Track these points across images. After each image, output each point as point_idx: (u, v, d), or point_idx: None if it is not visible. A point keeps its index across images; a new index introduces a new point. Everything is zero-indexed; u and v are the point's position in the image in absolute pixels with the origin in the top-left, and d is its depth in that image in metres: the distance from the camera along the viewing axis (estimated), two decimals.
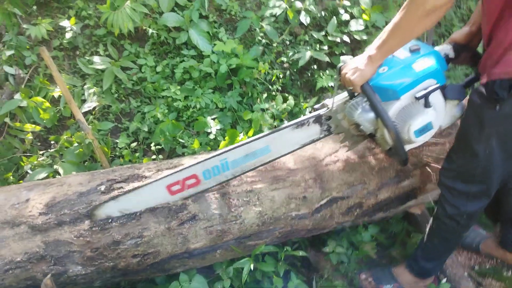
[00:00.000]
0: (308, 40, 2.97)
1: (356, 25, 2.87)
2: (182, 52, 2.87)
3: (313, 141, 1.68)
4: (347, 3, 3.01)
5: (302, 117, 1.65)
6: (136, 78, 2.82)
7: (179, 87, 2.75)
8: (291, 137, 1.63)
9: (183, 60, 2.83)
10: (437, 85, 1.47)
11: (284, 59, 2.92)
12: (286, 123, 1.74)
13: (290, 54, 2.90)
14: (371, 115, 1.49)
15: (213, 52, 2.82)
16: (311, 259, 1.95)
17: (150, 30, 2.81)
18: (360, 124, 1.55)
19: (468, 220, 1.60)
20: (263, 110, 2.73)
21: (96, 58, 2.79)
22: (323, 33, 2.95)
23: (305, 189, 1.73)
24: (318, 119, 1.65)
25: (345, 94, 1.63)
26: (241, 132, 2.54)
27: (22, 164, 2.45)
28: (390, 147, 1.55)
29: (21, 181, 2.41)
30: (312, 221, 1.75)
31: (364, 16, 2.84)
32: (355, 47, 2.98)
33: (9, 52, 2.77)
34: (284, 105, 2.72)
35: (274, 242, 1.77)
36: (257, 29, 2.94)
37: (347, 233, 1.97)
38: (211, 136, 2.56)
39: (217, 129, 2.58)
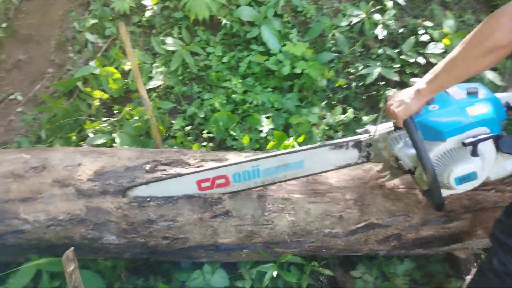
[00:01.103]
0: (380, 55, 2.86)
1: (434, 48, 2.72)
2: (250, 47, 2.89)
3: (349, 165, 1.64)
4: (429, 24, 2.86)
5: (342, 139, 1.60)
6: (203, 65, 2.89)
7: (240, 81, 2.78)
8: (328, 157, 1.60)
9: (250, 55, 2.85)
10: (489, 135, 1.35)
11: (351, 70, 2.84)
12: (325, 142, 1.70)
13: (360, 67, 2.82)
14: (412, 151, 1.41)
15: (280, 52, 2.82)
16: (338, 279, 1.91)
17: (224, 21, 2.86)
18: (400, 158, 1.48)
19: None
20: (319, 117, 2.68)
21: (169, 39, 2.90)
22: (397, 50, 2.83)
23: (344, 208, 1.68)
24: (357, 144, 1.60)
25: (390, 124, 1.55)
26: (291, 137, 2.52)
27: (85, 127, 2.61)
28: (428, 188, 1.46)
29: (81, 142, 2.57)
30: (345, 242, 1.70)
31: (445, 41, 2.68)
32: (428, 71, 2.82)
33: (93, 21, 2.96)
34: (342, 117, 2.65)
35: (302, 253, 1.74)
36: (329, 36, 2.89)
37: (380, 261, 1.89)
38: (262, 134, 2.57)
39: (269, 128, 2.58)
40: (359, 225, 1.69)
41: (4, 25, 3.02)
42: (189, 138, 2.67)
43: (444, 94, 1.41)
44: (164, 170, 1.69)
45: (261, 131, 2.58)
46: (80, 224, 1.59)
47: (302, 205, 1.67)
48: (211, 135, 2.65)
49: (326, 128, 2.58)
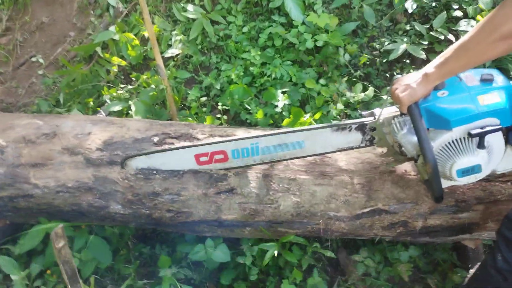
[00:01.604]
0: (408, 30, 2.72)
1: (467, 26, 2.55)
2: (272, 17, 2.80)
3: (351, 148, 1.58)
4: None
5: (346, 121, 1.53)
6: (222, 34, 2.83)
7: (259, 52, 2.71)
8: (329, 138, 1.55)
9: (271, 26, 2.76)
10: (498, 127, 1.27)
11: (377, 45, 2.72)
12: (327, 123, 1.64)
13: (385, 42, 2.68)
14: (415, 139, 1.33)
15: (303, 23, 2.71)
16: (341, 261, 1.90)
17: None
18: (403, 145, 1.42)
19: None
20: (338, 94, 2.60)
21: (190, 7, 2.84)
22: (427, 26, 2.67)
23: (351, 192, 1.65)
24: (361, 127, 1.53)
25: (396, 109, 1.47)
26: (308, 113, 2.47)
27: (103, 93, 2.63)
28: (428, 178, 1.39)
29: (98, 108, 2.60)
30: (349, 226, 1.67)
31: (479, 18, 2.50)
32: None
33: None
34: (362, 95, 2.56)
35: (305, 234, 1.73)
36: (356, 7, 2.75)
37: (384, 247, 1.86)
38: (277, 109, 2.52)
39: (285, 104, 2.52)
40: (365, 210, 1.65)
41: None
42: (204, 109, 2.65)
43: (456, 79, 1.32)
44: (172, 143, 1.69)
45: (276, 106, 2.53)
46: (87, 192, 1.63)
47: (308, 187, 1.65)
48: (226, 107, 2.62)
49: (343, 106, 2.51)
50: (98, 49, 2.75)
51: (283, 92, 2.57)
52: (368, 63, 2.72)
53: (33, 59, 2.91)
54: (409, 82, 1.30)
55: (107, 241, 1.81)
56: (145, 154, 1.61)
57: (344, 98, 2.56)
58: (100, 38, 2.72)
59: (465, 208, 1.64)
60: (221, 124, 2.49)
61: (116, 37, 2.73)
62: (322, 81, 2.59)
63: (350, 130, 1.55)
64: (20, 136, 1.70)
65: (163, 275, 1.71)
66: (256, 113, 2.47)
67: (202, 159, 1.61)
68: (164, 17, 2.95)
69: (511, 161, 1.41)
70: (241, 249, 1.81)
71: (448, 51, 1.20)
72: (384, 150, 1.62)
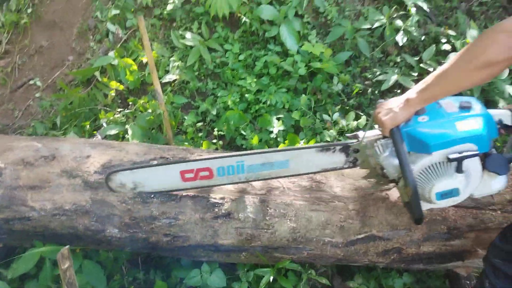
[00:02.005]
0: (399, 62, 2.82)
1: None
2: (268, 46, 2.88)
3: (335, 169, 1.62)
4: (453, 33, 2.80)
5: (330, 143, 1.58)
6: (219, 61, 2.90)
7: (255, 80, 2.78)
8: (313, 159, 1.58)
9: (267, 54, 2.85)
10: (475, 152, 1.32)
11: (369, 75, 2.81)
12: (311, 144, 1.67)
13: (377, 72, 2.78)
14: (397, 161, 1.38)
15: (298, 53, 2.80)
16: (335, 287, 1.91)
17: (244, 18, 2.86)
18: (384, 167, 1.46)
19: None
20: (331, 122, 2.67)
21: (188, 34, 2.92)
22: (417, 58, 2.78)
23: (345, 218, 1.67)
24: (345, 149, 1.58)
25: (379, 132, 1.52)
26: (302, 139, 2.52)
27: (100, 116, 2.66)
28: (408, 200, 1.44)
29: (95, 132, 2.62)
30: (344, 252, 1.69)
31: None
32: None
33: (115, 11, 3.00)
34: (355, 123, 2.63)
35: (300, 260, 1.75)
36: (349, 40, 2.85)
37: (378, 273, 1.88)
38: (272, 135, 2.57)
39: (279, 130, 2.58)
40: (359, 236, 1.68)
41: (29, 10, 3.09)
42: (200, 134, 2.69)
43: (436, 105, 1.38)
44: None
45: (271, 132, 2.59)
46: (84, 215, 1.63)
47: (304, 212, 1.67)
48: (221, 133, 2.66)
49: (336, 133, 2.57)
50: (97, 73, 2.79)
51: (278, 119, 2.62)
52: (360, 92, 2.80)
53: (31, 82, 2.94)
54: (391, 106, 1.35)
55: (101, 266, 1.80)
56: (130, 169, 1.60)
57: (337, 126, 2.62)
58: (99, 63, 2.78)
59: (457, 236, 1.68)
60: (216, 149, 2.53)
61: (115, 62, 2.78)
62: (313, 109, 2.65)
63: (334, 151, 1.59)
64: (19, 158, 1.71)
65: None
66: (252, 138, 2.52)
67: (188, 175, 1.60)
68: (162, 43, 3.02)
69: (487, 186, 1.45)
70: (236, 274, 1.81)
71: (430, 78, 1.25)
72: (367, 172, 1.66)
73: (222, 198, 1.68)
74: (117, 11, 3.04)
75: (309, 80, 2.78)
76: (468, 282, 1.90)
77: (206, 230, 1.65)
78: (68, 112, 2.67)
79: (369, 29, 2.86)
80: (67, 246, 1.38)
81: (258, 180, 1.67)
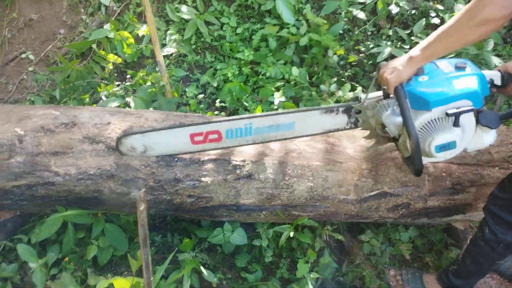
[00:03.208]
0: (391, 35, 2.93)
1: None
2: (264, 19, 2.92)
3: (337, 130, 1.71)
4: (441, 7, 2.93)
5: (333, 104, 1.66)
6: (216, 35, 2.92)
7: (253, 52, 2.83)
8: (318, 120, 1.67)
9: (263, 27, 2.89)
10: (471, 107, 1.45)
11: (362, 48, 2.91)
12: (316, 106, 1.76)
13: (370, 45, 2.88)
14: (399, 119, 1.49)
15: (294, 25, 2.86)
16: (345, 244, 2.03)
17: None
18: (386, 126, 1.56)
19: (505, 249, 1.60)
20: (328, 93, 2.76)
21: (183, 7, 2.91)
22: (408, 31, 2.90)
23: (359, 177, 1.78)
24: (347, 110, 1.67)
25: (380, 93, 1.63)
26: None
27: (99, 90, 2.64)
28: (409, 155, 1.56)
29: (94, 105, 2.60)
30: (358, 208, 1.81)
31: None
32: None
33: None
34: (351, 94, 2.73)
35: (316, 217, 1.85)
36: (343, 13, 2.93)
37: (387, 228, 2.01)
38: (273, 106, 2.64)
39: (280, 101, 2.65)
40: (371, 193, 1.79)
41: None
42: (201, 106, 2.72)
43: (434, 67, 1.49)
44: None
45: (272, 102, 2.65)
46: (109, 179, 1.66)
47: (320, 172, 1.77)
48: (223, 104, 2.71)
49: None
50: (94, 46, 2.75)
51: (278, 89, 2.69)
52: (355, 64, 2.90)
53: (23, 55, 2.86)
54: (395, 65, 1.43)
55: (122, 229, 1.84)
56: (141, 132, 1.63)
57: (334, 97, 2.72)
58: (95, 36, 2.73)
59: (460, 190, 1.82)
60: None
61: (111, 35, 2.75)
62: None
63: (337, 113, 1.68)
64: (38, 126, 1.70)
65: (183, 258, 1.76)
66: (254, 109, 2.58)
67: (197, 138, 1.64)
68: (157, 16, 3.00)
69: (480, 140, 1.59)
70: (256, 233, 1.90)
71: (432, 36, 1.35)
72: (367, 132, 1.77)
73: (243, 161, 1.75)
74: None
75: (305, 53, 2.86)
76: (464, 235, 2.06)
77: (229, 191, 1.72)
78: (66, 86, 2.64)
79: (361, 3, 2.95)
80: (143, 190, 1.43)
81: (265, 142, 1.73)
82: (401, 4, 2.87)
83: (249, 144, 1.71)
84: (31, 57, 2.86)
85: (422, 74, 1.47)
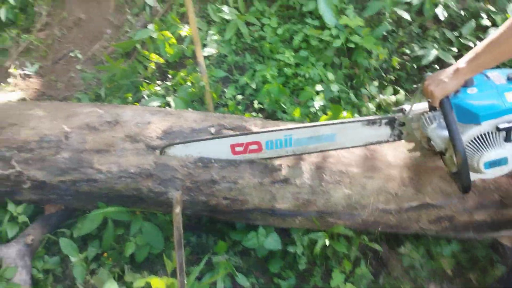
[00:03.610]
0: (438, 37, 2.82)
1: None
2: (305, 20, 2.89)
3: (379, 143, 1.67)
4: (492, 8, 2.78)
5: (375, 116, 1.62)
6: (257, 35, 2.91)
7: (293, 54, 2.80)
8: (359, 132, 1.63)
9: (304, 28, 2.86)
10: None
11: (407, 51, 2.81)
12: (358, 117, 1.72)
13: (415, 48, 2.78)
14: (445, 133, 1.42)
15: (335, 27, 2.81)
16: (383, 255, 1.96)
17: None
18: (432, 139, 1.50)
19: None
20: (368, 97, 2.69)
21: (225, 8, 2.93)
22: (456, 33, 2.77)
23: (400, 186, 1.72)
24: (391, 122, 1.62)
25: (425, 104, 1.56)
26: (343, 111, 2.55)
27: (141, 89, 2.71)
28: (456, 171, 1.47)
29: (136, 103, 2.67)
30: (397, 218, 1.75)
31: None
32: None
33: None
34: (393, 98, 2.65)
35: (353, 226, 1.80)
36: (387, 14, 2.85)
37: (427, 241, 1.93)
38: (312, 109, 2.60)
39: (320, 104, 2.61)
40: (412, 204, 1.73)
41: None
42: (240, 107, 2.73)
43: (484, 78, 1.42)
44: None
45: (311, 105, 2.62)
46: (148, 178, 1.69)
47: (358, 179, 1.72)
48: (261, 106, 2.70)
49: (375, 108, 2.59)
50: (138, 45, 2.83)
51: (318, 92, 2.65)
52: (398, 67, 2.81)
53: (71, 54, 2.98)
54: (441, 77, 1.38)
55: (159, 228, 1.87)
56: (183, 143, 1.67)
57: (375, 101, 2.65)
58: (139, 36, 2.80)
59: (509, 205, 1.72)
60: None
61: (155, 35, 2.81)
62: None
63: (380, 125, 1.63)
64: (84, 123, 1.77)
65: (217, 261, 1.77)
66: (293, 111, 2.55)
67: (238, 149, 1.67)
68: (199, 17, 3.04)
69: None
70: (290, 238, 1.88)
71: (479, 47, 1.28)
72: (412, 145, 1.70)
73: (280, 164, 1.73)
74: None
75: (346, 55, 2.80)
76: None
77: (264, 194, 1.71)
78: (111, 84, 2.72)
79: (407, 3, 2.85)
80: (180, 192, 1.50)
81: (305, 153, 1.72)
82: (450, 5, 2.75)
83: (290, 155, 1.71)
84: (79, 55, 2.97)
85: (472, 85, 1.41)
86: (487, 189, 1.72)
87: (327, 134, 1.64)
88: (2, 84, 2.79)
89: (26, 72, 2.85)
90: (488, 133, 1.42)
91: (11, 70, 2.84)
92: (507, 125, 1.36)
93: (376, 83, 2.75)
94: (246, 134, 1.66)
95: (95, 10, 3.15)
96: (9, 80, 2.81)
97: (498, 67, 1.40)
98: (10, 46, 2.99)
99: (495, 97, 1.38)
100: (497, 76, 1.43)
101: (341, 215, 1.75)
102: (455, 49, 2.74)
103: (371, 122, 1.62)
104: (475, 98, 1.39)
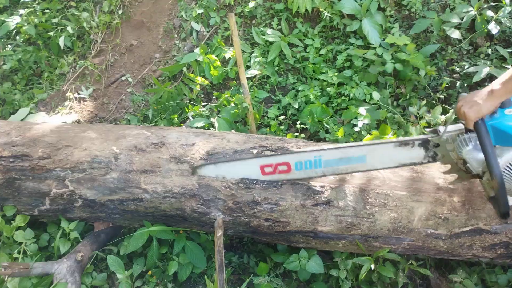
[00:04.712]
0: (490, 54, 2.69)
1: None
2: (349, 40, 2.88)
3: (413, 164, 1.60)
4: None
5: (408, 137, 1.55)
6: (299, 56, 2.93)
7: (336, 73, 2.79)
8: (391, 154, 1.57)
9: (348, 48, 2.84)
10: None
11: (456, 68, 2.71)
12: (390, 139, 1.66)
13: (465, 65, 2.68)
14: (481, 155, 1.34)
15: (380, 46, 2.77)
16: (432, 281, 1.86)
17: (325, 13, 2.87)
18: (468, 162, 1.42)
19: None
20: (416, 117, 2.61)
21: (268, 30, 2.98)
22: (511, 50, 2.64)
23: (450, 210, 1.64)
24: (424, 143, 1.55)
25: (461, 125, 1.48)
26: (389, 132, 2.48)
27: (187, 110, 2.79)
28: (494, 195, 1.37)
29: (182, 124, 2.75)
30: (448, 244, 1.66)
31: None
32: None
33: (199, 11, 3.13)
34: (442, 118, 2.55)
35: (399, 251, 1.73)
36: (435, 32, 2.77)
37: (481, 268, 1.81)
38: (356, 129, 2.56)
39: (364, 123, 2.56)
40: (464, 229, 1.64)
41: (120, 11, 3.31)
42: (282, 127, 2.74)
43: None
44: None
45: (355, 125, 2.57)
46: (192, 198, 1.73)
47: (405, 203, 1.66)
48: (303, 126, 2.69)
49: (423, 128, 2.50)
50: (184, 69, 2.93)
51: (363, 112, 2.60)
52: (447, 85, 2.71)
53: (123, 78, 3.14)
54: (475, 99, 1.32)
55: (201, 248, 1.90)
56: (214, 163, 1.71)
57: (423, 120, 2.56)
58: (186, 60, 2.91)
59: None
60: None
61: (200, 58, 2.91)
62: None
63: (412, 146, 1.57)
64: (132, 145, 1.84)
65: (258, 282, 1.76)
66: (336, 131, 2.52)
67: (267, 169, 1.68)
68: (243, 40, 3.11)
69: None
70: (333, 262, 1.83)
71: None
72: (448, 167, 1.62)
73: (322, 186, 1.71)
74: (201, 10, 3.17)
75: (392, 74, 2.74)
76: None
77: (306, 217, 1.69)
78: (158, 106, 2.83)
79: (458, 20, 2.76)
80: (221, 216, 1.51)
81: (335, 174, 1.69)
82: (502, 21, 2.63)
83: (319, 176, 1.70)
84: (130, 79, 3.12)
85: (510, 106, 1.35)
86: None
87: (358, 155, 1.61)
88: (59, 107, 2.98)
89: (81, 95, 3.03)
90: None
91: (68, 94, 3.03)
92: None
93: (424, 102, 2.66)
94: (275, 155, 1.67)
95: (145, 36, 3.32)
96: (65, 103, 3.00)
97: None
98: (67, 71, 3.20)
99: None
100: None
101: (387, 239, 1.69)
102: (509, 66, 2.60)
103: (404, 144, 1.58)
104: None
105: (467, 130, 1.46)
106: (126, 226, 2.00)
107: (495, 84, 1.30)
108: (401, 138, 1.60)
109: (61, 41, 3.16)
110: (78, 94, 3.05)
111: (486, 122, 1.34)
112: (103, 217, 1.87)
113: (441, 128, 1.54)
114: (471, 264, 1.84)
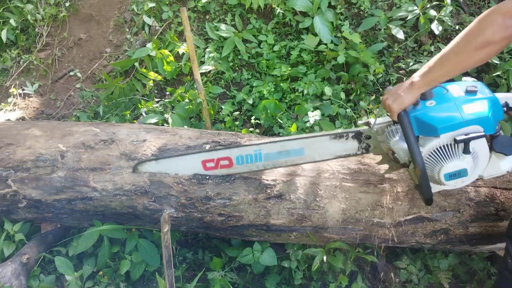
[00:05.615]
0: (434, 51, 2.84)
1: None
2: (301, 37, 2.93)
3: (348, 156, 1.67)
4: None
5: (343, 130, 1.63)
6: (253, 52, 2.95)
7: (290, 69, 2.83)
8: (327, 146, 1.64)
9: (300, 43, 2.89)
10: (481, 134, 1.37)
11: (402, 65, 2.84)
12: (325, 132, 1.73)
13: (410, 62, 2.81)
14: (406, 145, 1.43)
15: (331, 42, 2.85)
16: (379, 268, 1.95)
17: (278, 10, 2.91)
18: (395, 152, 1.51)
19: None
20: (366, 111, 2.70)
21: (222, 26, 2.98)
22: None
23: (394, 200, 1.72)
24: (357, 136, 1.63)
25: (389, 118, 1.56)
26: (339, 127, 2.56)
27: (140, 106, 2.74)
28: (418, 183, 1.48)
29: (134, 121, 2.69)
30: (393, 232, 1.74)
31: None
32: (482, 70, 2.79)
33: (151, 4, 3.07)
34: None
35: (348, 241, 1.80)
36: (382, 29, 2.88)
37: (424, 254, 1.92)
38: (308, 124, 2.61)
39: (315, 119, 2.62)
40: (407, 217, 1.72)
41: (67, 4, 3.18)
42: (237, 123, 2.75)
43: (443, 91, 1.43)
44: None
45: (307, 120, 2.63)
46: (143, 195, 1.70)
47: (353, 194, 1.72)
48: (258, 121, 2.72)
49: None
50: (136, 64, 2.87)
51: (315, 108, 2.67)
52: (394, 82, 2.83)
53: (71, 73, 3.03)
54: (398, 92, 1.39)
55: (155, 245, 1.87)
56: (155, 159, 1.70)
57: (372, 115, 2.66)
58: (138, 54, 2.85)
59: (504, 217, 1.71)
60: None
61: (153, 53, 2.85)
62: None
63: (347, 138, 1.65)
64: (79, 142, 1.79)
65: (212, 277, 1.76)
66: (289, 126, 2.57)
67: (209, 164, 1.69)
68: (197, 35, 3.08)
69: (496, 167, 1.50)
70: (285, 254, 1.87)
71: (432, 61, 1.30)
72: (380, 157, 1.71)
73: (274, 180, 1.74)
74: (153, 4, 3.11)
75: (343, 70, 2.82)
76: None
77: (259, 210, 1.71)
78: (110, 102, 2.75)
79: (402, 19, 2.89)
80: (168, 212, 1.46)
81: (275, 168, 1.73)
82: (444, 19, 2.78)
83: (260, 170, 1.73)
84: (79, 74, 3.01)
85: (430, 98, 1.42)
86: (482, 202, 1.71)
87: (296, 148, 1.66)
88: (2, 103, 2.83)
89: (26, 91, 2.89)
90: (447, 145, 1.43)
91: (11, 89, 2.88)
92: (464, 137, 1.37)
93: (373, 97, 2.77)
94: (217, 149, 1.67)
95: (95, 30, 3.21)
96: (9, 99, 2.85)
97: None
98: (10, 66, 3.04)
99: (453, 109, 1.40)
100: (456, 89, 1.44)
101: (336, 229, 1.75)
102: None
103: (339, 136, 1.64)
104: (434, 111, 1.40)
105: (395, 122, 1.54)
106: (75, 226, 1.94)
107: (415, 77, 1.36)
108: (336, 130, 1.66)
109: (3, 34, 3.00)
110: (23, 90, 2.91)
111: (409, 113, 1.40)
112: (50, 218, 1.81)
113: (372, 121, 1.61)
114: (415, 251, 1.94)
